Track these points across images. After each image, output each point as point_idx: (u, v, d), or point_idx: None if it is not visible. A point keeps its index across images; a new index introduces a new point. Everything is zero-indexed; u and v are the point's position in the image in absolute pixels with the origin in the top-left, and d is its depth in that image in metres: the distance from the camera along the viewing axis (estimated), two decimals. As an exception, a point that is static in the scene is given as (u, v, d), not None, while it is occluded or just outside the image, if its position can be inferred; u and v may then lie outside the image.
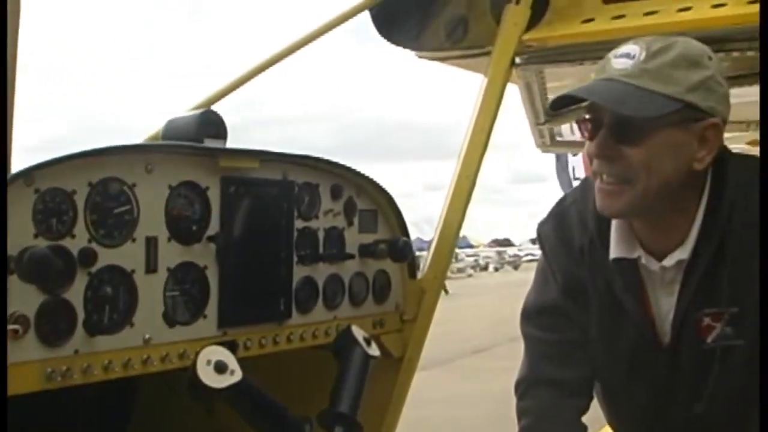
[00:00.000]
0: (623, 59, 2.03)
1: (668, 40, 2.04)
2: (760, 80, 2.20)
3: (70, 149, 2.00)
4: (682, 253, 2.12)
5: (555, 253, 2.35)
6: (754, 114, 4.18)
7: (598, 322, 2.27)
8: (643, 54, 2.01)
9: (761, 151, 2.11)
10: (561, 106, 2.18)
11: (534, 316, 2.41)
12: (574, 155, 15.10)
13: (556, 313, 2.35)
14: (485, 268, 63.20)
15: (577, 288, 2.29)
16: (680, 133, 2.02)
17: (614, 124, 2.03)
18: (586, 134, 2.11)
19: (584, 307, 2.28)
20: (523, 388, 2.39)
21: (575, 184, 16.03)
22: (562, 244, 2.33)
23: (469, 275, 53.03)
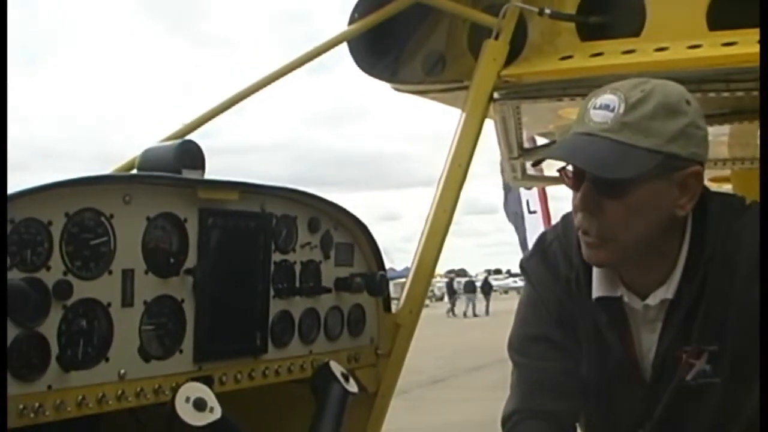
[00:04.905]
0: (602, 111, 2.01)
1: (646, 87, 2.03)
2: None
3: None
4: (666, 293, 2.14)
5: (543, 284, 2.35)
6: (724, 152, 4.27)
7: (585, 354, 2.28)
8: (622, 106, 1.99)
9: (761, 157, 2.13)
10: (541, 162, 2.18)
11: (526, 345, 2.38)
12: (528, 188, 15.26)
13: (548, 342, 2.32)
14: (441, 298, 63.28)
15: (567, 317, 2.29)
16: (661, 184, 2.03)
17: (596, 179, 2.03)
18: (568, 183, 2.12)
19: (574, 337, 2.29)
20: (514, 420, 2.33)
21: (529, 217, 16.14)
22: (549, 275, 2.33)
23: (426, 305, 52.98)
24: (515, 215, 16.47)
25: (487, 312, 44.53)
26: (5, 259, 1.80)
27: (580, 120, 2.07)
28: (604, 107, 2.02)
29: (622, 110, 1.99)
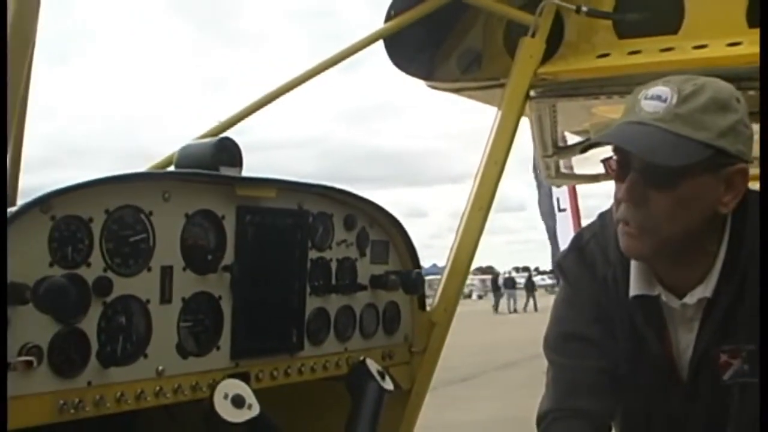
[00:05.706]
0: (654, 102, 2.01)
1: (698, 82, 2.03)
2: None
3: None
4: (704, 291, 2.12)
5: (580, 282, 2.33)
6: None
7: (621, 353, 2.26)
8: (675, 97, 1.99)
9: (761, 156, 2.11)
10: (589, 149, 2.17)
11: (561, 343, 2.36)
12: (558, 186, 15.23)
13: (584, 341, 2.30)
14: (469, 295, 63.26)
15: (604, 315, 2.27)
16: (709, 179, 2.02)
17: (644, 169, 2.02)
18: (611, 173, 2.10)
19: (610, 336, 2.27)
20: (549, 420, 2.30)
21: (559, 215, 16.11)
22: (586, 273, 2.31)
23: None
24: (548, 213, 16.42)
25: (535, 308, 44.16)
26: (5, 258, 1.80)
27: (630, 110, 2.06)
28: (656, 98, 2.01)
29: (674, 101, 1.99)
